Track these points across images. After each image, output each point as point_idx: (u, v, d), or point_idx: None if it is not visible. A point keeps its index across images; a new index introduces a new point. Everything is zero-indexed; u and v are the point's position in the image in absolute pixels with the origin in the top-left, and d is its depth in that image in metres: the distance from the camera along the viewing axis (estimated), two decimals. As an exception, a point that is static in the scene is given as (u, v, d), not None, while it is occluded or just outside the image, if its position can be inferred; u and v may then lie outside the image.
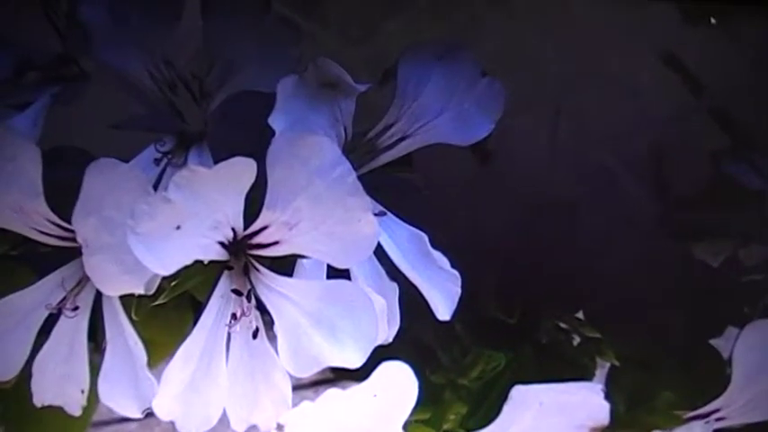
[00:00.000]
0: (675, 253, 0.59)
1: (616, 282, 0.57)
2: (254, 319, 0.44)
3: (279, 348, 0.44)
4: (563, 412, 0.44)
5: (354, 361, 0.43)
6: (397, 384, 0.43)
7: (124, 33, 0.48)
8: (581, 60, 0.59)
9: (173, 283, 0.45)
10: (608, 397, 0.44)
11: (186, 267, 0.43)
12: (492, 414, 0.44)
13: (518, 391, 0.44)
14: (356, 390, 0.43)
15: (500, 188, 0.57)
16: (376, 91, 0.48)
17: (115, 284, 0.44)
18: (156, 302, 0.45)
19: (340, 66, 0.45)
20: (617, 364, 0.56)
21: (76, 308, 0.47)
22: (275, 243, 0.43)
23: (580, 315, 0.58)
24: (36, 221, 0.45)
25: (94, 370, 0.47)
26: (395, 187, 0.49)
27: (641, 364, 0.55)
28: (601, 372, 0.58)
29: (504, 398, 0.44)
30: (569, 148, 0.59)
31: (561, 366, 0.57)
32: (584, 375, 0.56)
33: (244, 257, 0.44)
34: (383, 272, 0.47)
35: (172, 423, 0.45)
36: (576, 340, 0.59)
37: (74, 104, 0.51)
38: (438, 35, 0.51)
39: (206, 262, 0.44)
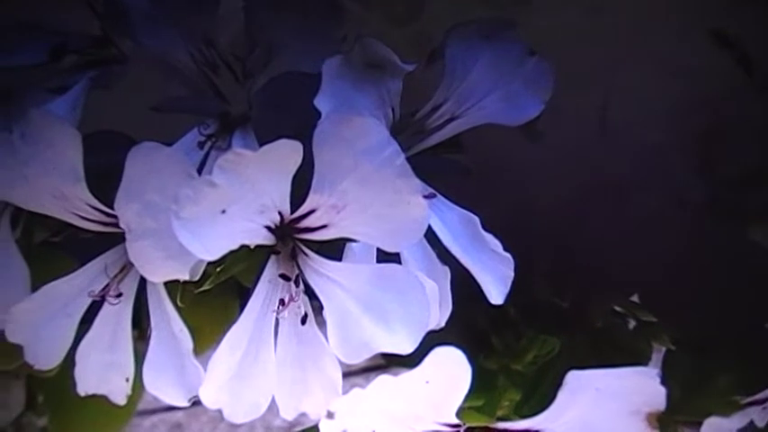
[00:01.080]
0: (730, 235, 0.58)
1: (670, 264, 0.56)
2: (303, 305, 0.44)
3: (328, 334, 0.43)
4: (618, 398, 0.43)
5: (406, 346, 0.42)
6: (450, 370, 0.42)
7: (163, 14, 0.47)
8: (630, 39, 0.58)
9: (218, 269, 0.44)
10: (664, 382, 0.43)
11: (232, 252, 0.42)
12: (546, 400, 0.43)
13: (573, 377, 0.43)
14: (408, 376, 0.42)
15: (551, 169, 0.57)
16: (423, 71, 0.47)
17: (159, 270, 0.43)
18: (202, 288, 0.45)
19: (385, 46, 0.44)
20: (673, 348, 0.55)
21: (120, 294, 0.46)
22: (323, 227, 0.42)
23: (635, 298, 0.57)
24: (77, 207, 0.44)
25: (139, 358, 0.47)
26: (444, 169, 0.48)
27: (697, 349, 0.54)
28: (656, 356, 0.57)
29: (558, 383, 0.43)
30: (620, 129, 0.58)
31: (616, 351, 0.56)
32: (639, 360, 0.55)
33: (291, 242, 0.44)
34: (434, 255, 0.46)
35: (219, 411, 0.44)
36: (632, 324, 0.58)
37: (113, 88, 0.50)
38: (485, 14, 0.50)
39: (252, 247, 0.43)
